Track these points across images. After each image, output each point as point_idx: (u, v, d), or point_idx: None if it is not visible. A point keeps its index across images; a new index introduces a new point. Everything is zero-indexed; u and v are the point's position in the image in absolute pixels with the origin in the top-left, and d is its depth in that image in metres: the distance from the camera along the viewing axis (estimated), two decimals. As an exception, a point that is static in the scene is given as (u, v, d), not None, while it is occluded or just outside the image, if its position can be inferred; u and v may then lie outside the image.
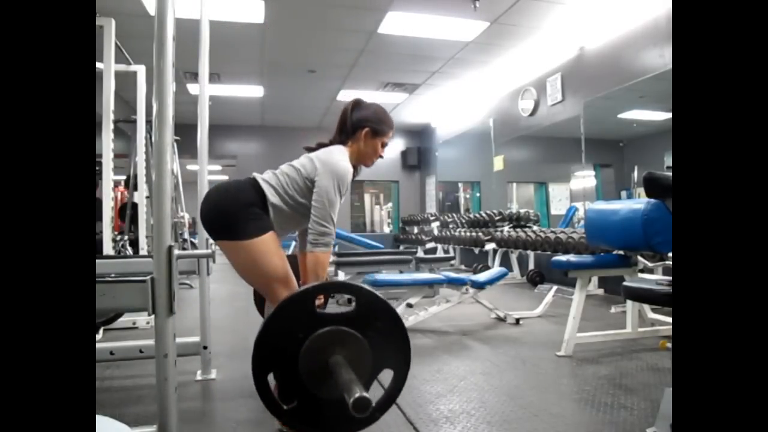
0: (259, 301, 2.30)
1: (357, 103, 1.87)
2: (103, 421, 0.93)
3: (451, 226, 7.49)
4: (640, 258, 2.84)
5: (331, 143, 1.83)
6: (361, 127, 1.80)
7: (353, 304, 1.14)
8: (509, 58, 5.79)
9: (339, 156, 1.74)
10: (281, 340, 1.07)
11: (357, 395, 0.94)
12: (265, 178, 1.75)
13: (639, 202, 2.45)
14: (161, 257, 1.02)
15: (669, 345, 2.68)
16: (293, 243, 5.33)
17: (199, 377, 2.31)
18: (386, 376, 1.26)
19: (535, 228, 5.80)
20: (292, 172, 1.75)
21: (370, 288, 1.18)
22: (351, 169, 1.75)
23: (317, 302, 1.23)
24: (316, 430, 1.23)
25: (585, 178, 5.80)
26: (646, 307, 3.03)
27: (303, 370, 1.06)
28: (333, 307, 4.46)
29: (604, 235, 2.72)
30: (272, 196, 1.70)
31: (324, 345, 1.06)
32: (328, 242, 1.65)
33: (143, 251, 4.13)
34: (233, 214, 1.66)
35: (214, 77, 6.17)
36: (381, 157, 1.93)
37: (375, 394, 2.09)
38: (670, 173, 2.36)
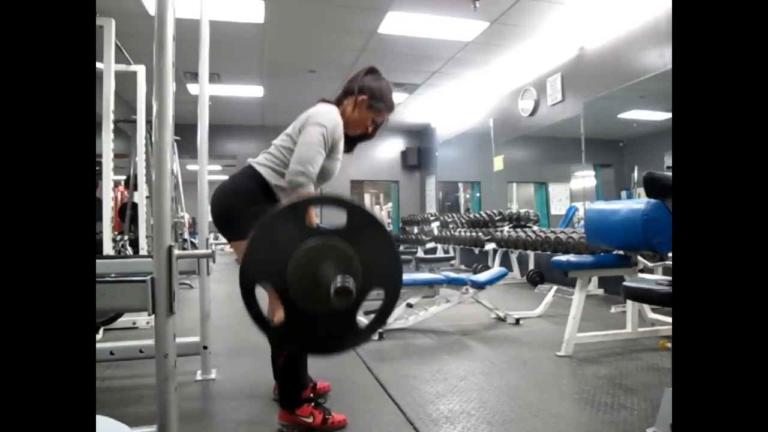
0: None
1: (372, 71, 1.86)
2: (103, 421, 0.93)
3: (451, 226, 7.49)
4: (640, 258, 2.84)
5: (337, 102, 1.82)
6: (361, 93, 1.79)
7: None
8: (509, 58, 5.79)
9: (327, 108, 1.74)
10: (270, 251, 1.05)
11: (339, 283, 0.95)
12: (260, 162, 1.73)
13: (639, 202, 2.45)
14: (161, 257, 1.02)
15: (669, 345, 2.68)
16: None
17: (199, 377, 2.31)
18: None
19: (535, 228, 5.80)
20: (284, 142, 1.74)
21: (365, 206, 1.15)
22: (340, 122, 1.72)
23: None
24: (303, 348, 1.20)
25: (585, 178, 5.80)
26: (646, 307, 3.02)
27: (291, 282, 1.03)
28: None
29: (604, 235, 2.72)
30: (272, 177, 1.69)
31: (313, 257, 1.03)
32: (304, 184, 1.58)
33: (143, 251, 4.13)
34: (236, 213, 1.65)
35: (214, 77, 6.17)
36: (369, 134, 1.89)
37: (383, 402, 2.08)
38: (670, 173, 2.36)
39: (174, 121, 1.10)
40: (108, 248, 3.32)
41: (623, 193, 5.35)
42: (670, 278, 2.08)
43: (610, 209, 2.67)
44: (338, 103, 1.81)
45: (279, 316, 1.07)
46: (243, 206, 1.65)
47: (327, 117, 1.68)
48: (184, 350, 2.25)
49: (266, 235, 1.05)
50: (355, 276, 1.02)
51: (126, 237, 4.55)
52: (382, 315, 1.14)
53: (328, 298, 0.97)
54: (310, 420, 1.69)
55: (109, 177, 3.32)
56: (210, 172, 2.46)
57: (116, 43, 3.40)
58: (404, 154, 9.91)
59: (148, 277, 1.03)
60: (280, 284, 1.04)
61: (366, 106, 1.79)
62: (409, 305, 3.35)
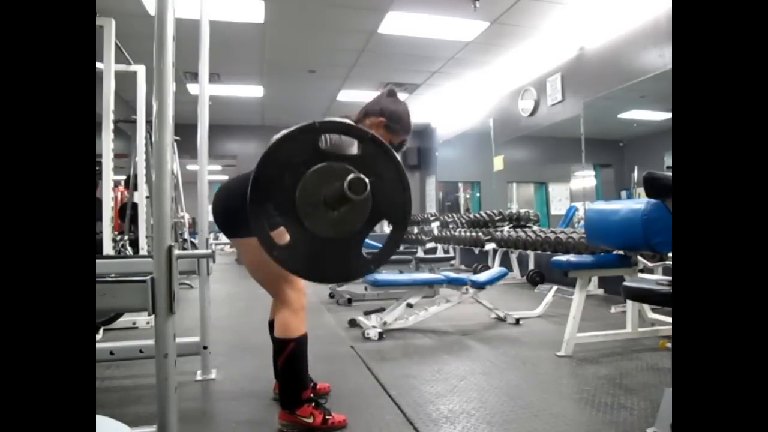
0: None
1: (392, 94, 1.90)
2: (103, 421, 0.93)
3: (451, 226, 7.49)
4: (640, 258, 2.84)
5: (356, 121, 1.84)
6: (380, 114, 1.82)
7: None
8: (509, 58, 5.79)
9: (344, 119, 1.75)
10: (282, 168, 1.03)
11: (352, 176, 0.94)
12: None
13: (639, 202, 2.45)
14: (161, 257, 1.02)
15: (669, 345, 2.68)
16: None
17: (199, 377, 2.31)
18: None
19: (535, 228, 5.80)
20: None
21: (380, 138, 1.13)
22: None
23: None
24: (308, 272, 1.20)
25: (585, 178, 5.80)
26: (646, 307, 3.02)
27: (300, 203, 1.02)
28: (333, 306, 4.41)
29: (604, 235, 2.71)
30: None
31: (324, 178, 1.02)
32: None
33: (143, 251, 4.13)
34: (239, 211, 1.66)
35: (214, 77, 6.17)
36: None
37: (382, 404, 2.07)
38: (670, 173, 2.36)
39: (174, 121, 1.10)
40: (108, 248, 3.32)
41: (623, 193, 5.35)
42: (670, 278, 2.08)
43: (610, 209, 2.67)
44: (358, 121, 1.84)
45: (284, 238, 1.05)
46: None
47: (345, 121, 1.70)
48: (184, 350, 2.25)
49: (279, 154, 1.03)
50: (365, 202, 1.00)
51: (126, 237, 4.55)
52: (389, 246, 1.12)
53: (343, 196, 0.93)
54: (310, 420, 1.69)
55: (109, 177, 3.32)
56: (210, 172, 2.47)
57: (116, 43, 3.40)
58: (404, 154, 9.90)
59: (148, 277, 1.03)
60: (289, 204, 1.03)
61: (383, 127, 1.82)
62: (409, 305, 3.35)
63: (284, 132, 1.08)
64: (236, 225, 1.68)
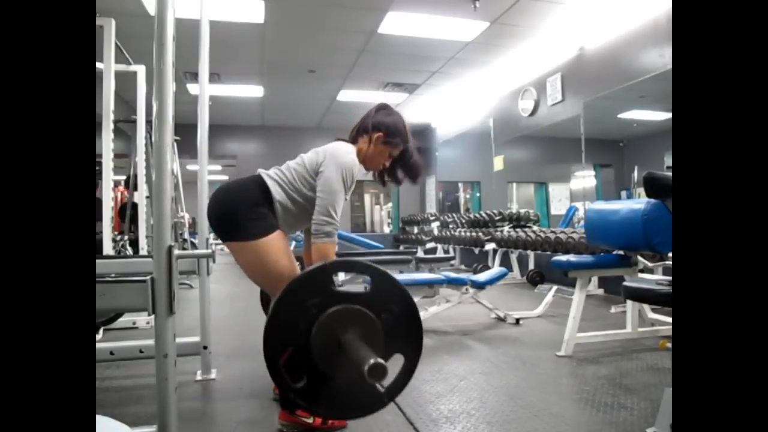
0: (265, 300, 2.29)
1: (383, 107, 1.88)
2: (103, 421, 0.93)
3: (451, 226, 7.49)
4: (640, 258, 2.84)
5: (352, 140, 1.84)
6: (376, 130, 1.80)
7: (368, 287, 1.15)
8: (509, 58, 5.79)
9: (346, 149, 1.75)
10: (295, 313, 1.07)
11: (372, 362, 0.95)
12: (270, 175, 1.74)
13: (639, 202, 2.45)
14: (161, 257, 1.02)
15: (669, 345, 2.68)
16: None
17: (199, 377, 2.31)
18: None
19: (535, 228, 5.80)
20: (299, 167, 1.75)
21: (390, 272, 1.17)
22: (357, 164, 1.74)
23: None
24: (324, 410, 1.24)
25: (585, 178, 5.81)
26: (646, 307, 3.03)
27: (315, 346, 1.06)
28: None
29: (604, 235, 2.72)
30: (277, 194, 1.69)
31: (338, 322, 1.06)
32: (331, 232, 1.63)
33: (143, 251, 4.13)
34: (236, 214, 1.65)
35: (214, 77, 6.17)
36: (386, 167, 1.94)
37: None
38: (670, 173, 2.36)
39: (174, 121, 1.10)
40: (108, 248, 3.32)
41: (623, 193, 5.36)
42: (670, 278, 2.08)
43: (610, 209, 2.67)
44: (353, 141, 1.83)
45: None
46: (244, 209, 1.65)
47: (347, 160, 1.70)
48: (184, 350, 2.25)
49: (292, 298, 1.07)
50: (378, 344, 1.04)
51: (126, 237, 4.55)
52: (401, 380, 1.15)
53: (353, 359, 0.98)
54: (310, 420, 1.69)
55: (109, 177, 3.32)
56: (210, 172, 2.47)
57: (116, 43, 3.40)
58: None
59: (148, 277, 1.02)
60: (305, 349, 1.06)
61: (382, 142, 1.81)
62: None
63: (297, 276, 1.12)
64: (231, 229, 1.67)
